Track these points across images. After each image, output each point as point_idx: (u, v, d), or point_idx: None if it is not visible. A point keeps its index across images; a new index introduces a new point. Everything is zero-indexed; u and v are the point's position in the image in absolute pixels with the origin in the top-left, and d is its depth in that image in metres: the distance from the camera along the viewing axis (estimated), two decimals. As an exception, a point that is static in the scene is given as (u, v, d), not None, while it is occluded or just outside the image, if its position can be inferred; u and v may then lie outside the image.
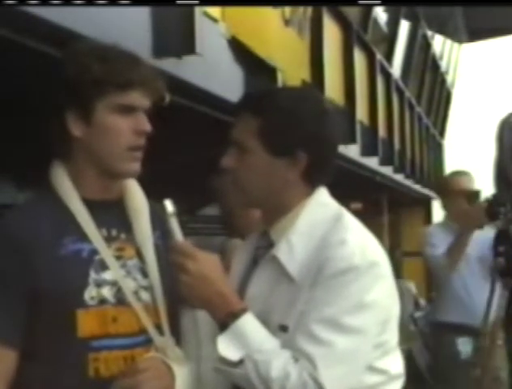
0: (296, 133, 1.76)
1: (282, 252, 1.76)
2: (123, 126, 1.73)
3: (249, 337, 1.67)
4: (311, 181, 1.81)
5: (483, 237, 4.57)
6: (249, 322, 1.69)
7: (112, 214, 1.80)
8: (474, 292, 4.64)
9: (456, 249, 4.66)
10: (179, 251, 1.71)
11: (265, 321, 1.72)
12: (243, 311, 1.70)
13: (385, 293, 1.75)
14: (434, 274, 5.14)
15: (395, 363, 1.83)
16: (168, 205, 1.74)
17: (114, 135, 1.72)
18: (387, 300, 1.77)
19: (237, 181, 1.81)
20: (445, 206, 4.99)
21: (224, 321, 1.69)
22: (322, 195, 1.84)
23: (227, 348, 1.66)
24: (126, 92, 1.72)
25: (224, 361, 1.67)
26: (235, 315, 1.69)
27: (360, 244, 1.73)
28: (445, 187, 5.02)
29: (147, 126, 1.76)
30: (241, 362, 1.66)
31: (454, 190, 4.85)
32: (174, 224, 1.74)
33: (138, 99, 1.73)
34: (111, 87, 1.70)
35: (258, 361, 1.65)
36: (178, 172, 4.93)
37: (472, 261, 4.75)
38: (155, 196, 1.88)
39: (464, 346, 4.66)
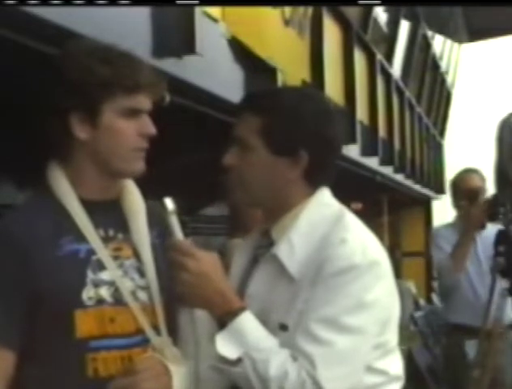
0: (298, 132, 1.76)
1: (282, 251, 1.76)
2: (129, 129, 1.73)
3: (248, 335, 1.67)
4: (312, 181, 1.81)
5: (492, 235, 4.56)
6: (247, 321, 1.69)
7: (109, 214, 1.80)
8: (482, 292, 4.62)
9: (459, 251, 4.65)
10: (178, 249, 1.71)
11: (265, 319, 1.72)
12: (242, 310, 1.70)
13: (385, 293, 1.75)
14: (440, 276, 5.13)
15: (395, 364, 1.82)
16: (169, 203, 1.74)
17: (120, 138, 1.73)
18: (387, 299, 1.76)
19: (239, 178, 1.81)
20: (457, 205, 4.97)
21: (223, 319, 1.69)
22: (324, 195, 1.84)
23: (225, 346, 1.67)
24: (133, 96, 1.72)
25: (223, 359, 1.67)
26: (234, 313, 1.69)
27: (361, 243, 1.73)
28: (454, 186, 5.02)
29: (152, 129, 1.77)
30: (239, 361, 1.66)
31: (463, 189, 4.84)
32: (174, 222, 1.74)
33: (144, 101, 1.74)
34: (119, 90, 1.71)
35: (257, 359, 1.64)
36: (178, 172, 4.92)
37: (481, 260, 4.74)
38: (155, 196, 1.87)
39: (472, 348, 4.64)
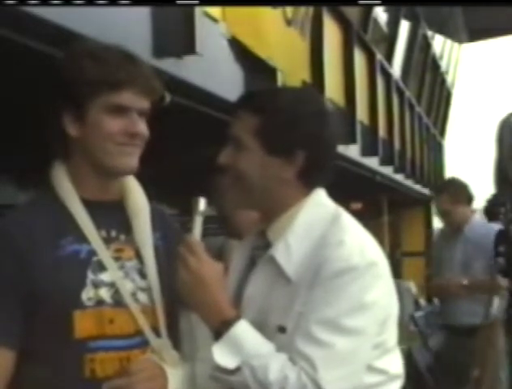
0: (294, 133, 1.76)
1: (279, 253, 1.75)
2: (114, 126, 1.71)
3: (244, 343, 1.66)
4: (308, 182, 1.80)
5: (474, 237, 4.63)
6: (243, 329, 1.68)
7: (112, 215, 1.79)
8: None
9: None
10: (187, 246, 1.71)
11: (263, 321, 1.72)
12: (236, 319, 1.69)
13: (384, 293, 1.74)
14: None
15: (394, 363, 1.82)
16: (202, 203, 1.76)
17: (105, 135, 1.71)
18: (386, 300, 1.76)
19: (234, 178, 1.80)
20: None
21: (218, 329, 1.68)
22: (320, 195, 1.83)
23: (223, 356, 1.66)
24: (117, 92, 1.70)
25: (220, 368, 1.66)
26: (228, 323, 1.68)
27: (358, 244, 1.73)
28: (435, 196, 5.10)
29: (138, 128, 1.73)
30: (237, 369, 1.65)
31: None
32: (198, 223, 1.75)
33: (131, 99, 1.72)
34: (103, 87, 1.69)
35: (256, 366, 1.64)
36: (178, 172, 4.93)
37: (455, 265, 4.81)
38: (154, 196, 1.87)
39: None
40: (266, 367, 1.63)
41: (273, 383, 1.62)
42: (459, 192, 4.78)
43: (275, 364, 1.63)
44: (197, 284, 1.69)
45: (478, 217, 5.00)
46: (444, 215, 4.81)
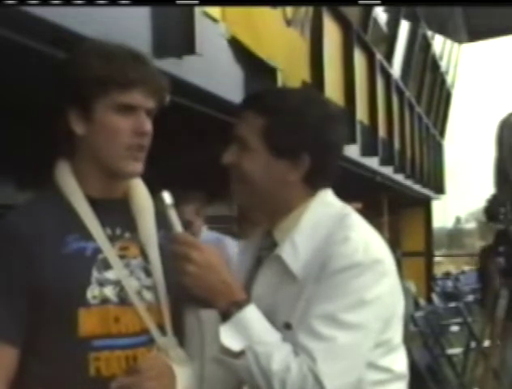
0: (300, 135, 1.75)
1: (286, 252, 1.76)
2: (122, 126, 1.71)
3: (252, 328, 1.67)
4: (313, 184, 1.80)
5: None
6: (252, 313, 1.69)
7: (116, 213, 1.79)
8: None
9: None
10: (182, 242, 1.71)
11: (271, 320, 1.72)
12: (247, 301, 1.70)
13: (387, 291, 1.74)
14: None
15: (399, 361, 1.82)
16: (167, 196, 1.73)
17: (112, 134, 1.71)
18: (390, 298, 1.76)
19: (238, 178, 1.80)
20: None
21: (228, 310, 1.68)
22: (327, 195, 1.83)
23: (229, 337, 1.66)
24: (127, 91, 1.70)
25: (226, 351, 1.66)
26: (239, 304, 1.68)
27: (364, 241, 1.73)
28: None
29: (146, 127, 1.73)
30: (242, 353, 1.66)
31: None
32: (173, 216, 1.73)
33: (140, 98, 1.72)
34: (112, 85, 1.69)
35: (259, 353, 1.65)
36: (178, 171, 4.93)
37: None
38: (153, 196, 1.87)
39: None
40: (270, 356, 1.64)
41: (275, 372, 1.63)
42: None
43: (279, 354, 1.64)
44: (206, 272, 1.68)
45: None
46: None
